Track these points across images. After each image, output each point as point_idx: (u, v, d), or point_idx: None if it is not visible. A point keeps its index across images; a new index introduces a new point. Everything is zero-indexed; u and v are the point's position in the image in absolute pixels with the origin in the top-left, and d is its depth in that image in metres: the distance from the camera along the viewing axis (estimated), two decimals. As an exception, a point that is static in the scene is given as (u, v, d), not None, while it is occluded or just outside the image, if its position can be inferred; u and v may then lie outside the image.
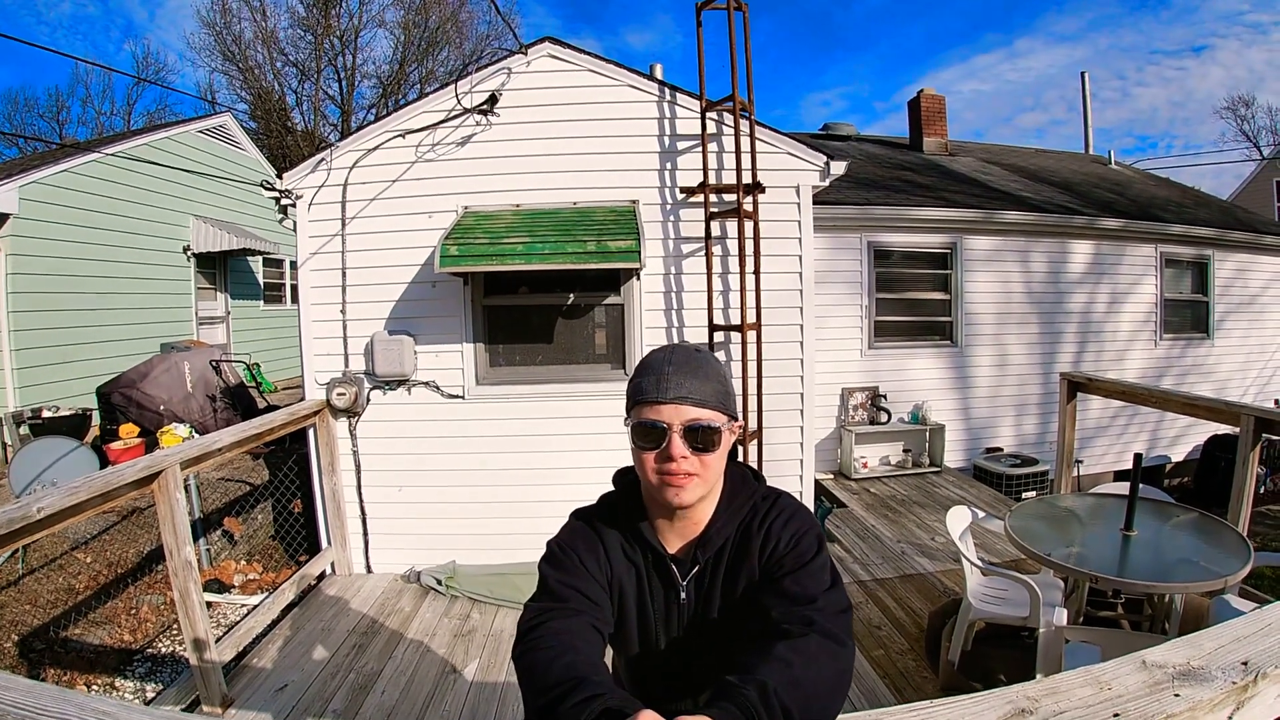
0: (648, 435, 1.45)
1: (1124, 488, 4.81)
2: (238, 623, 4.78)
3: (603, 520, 1.65)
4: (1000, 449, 9.86)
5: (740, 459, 5.55)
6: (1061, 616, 3.64)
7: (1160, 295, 10.81)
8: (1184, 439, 11.22)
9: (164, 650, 5.28)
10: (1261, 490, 10.16)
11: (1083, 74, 18.78)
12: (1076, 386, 6.17)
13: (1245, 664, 1.27)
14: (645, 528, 1.59)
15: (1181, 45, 60.51)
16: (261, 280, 14.25)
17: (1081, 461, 9.76)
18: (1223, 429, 9.87)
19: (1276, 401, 12.20)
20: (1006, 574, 4.00)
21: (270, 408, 9.07)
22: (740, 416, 1.59)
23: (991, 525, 4.61)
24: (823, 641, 1.26)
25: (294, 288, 14.64)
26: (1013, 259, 9.93)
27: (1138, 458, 4.07)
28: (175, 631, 5.34)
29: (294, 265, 14.08)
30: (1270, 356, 12.14)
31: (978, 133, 72.57)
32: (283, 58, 25.98)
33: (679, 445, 1.43)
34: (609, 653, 1.62)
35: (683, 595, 1.59)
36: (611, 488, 1.70)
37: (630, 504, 1.63)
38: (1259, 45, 55.87)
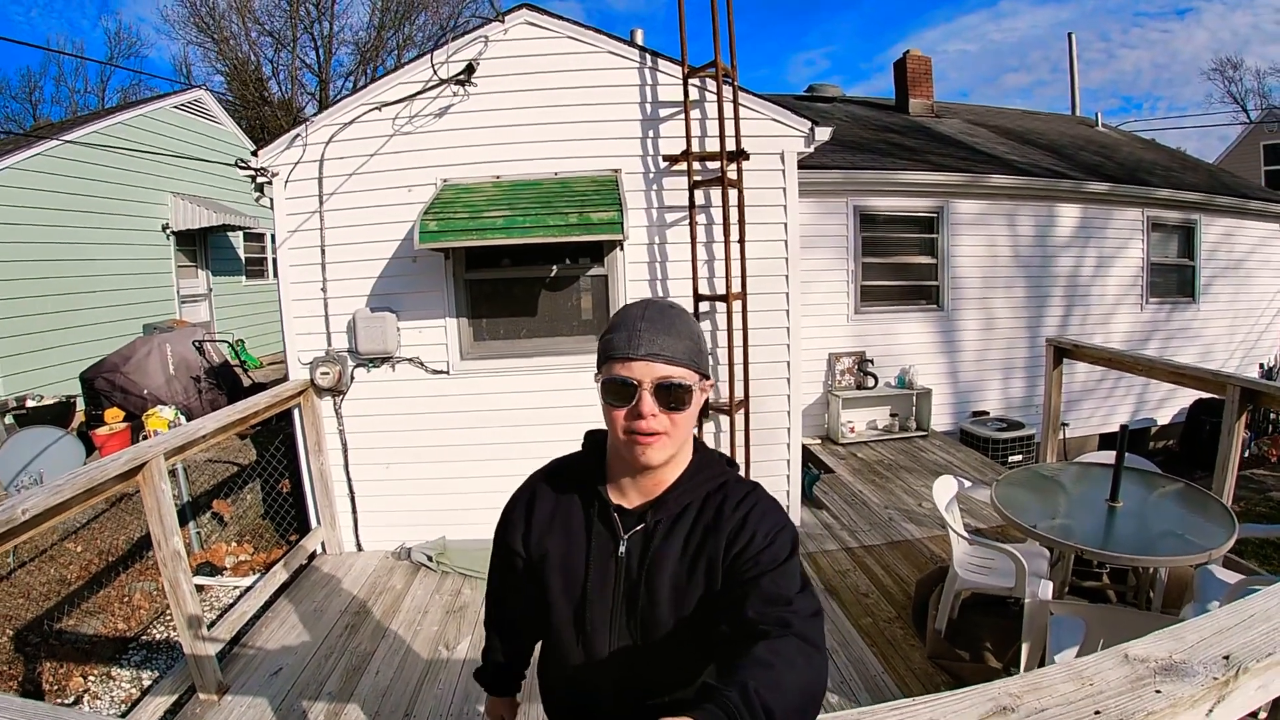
0: (618, 392, 1.42)
1: (1110, 456, 4.82)
2: (230, 606, 4.77)
3: (554, 475, 1.69)
4: (986, 413, 9.90)
5: (728, 427, 5.58)
6: (1047, 589, 3.65)
7: (1146, 259, 10.82)
8: (1169, 402, 11.29)
9: (159, 637, 5.25)
10: (1246, 454, 10.23)
11: (1070, 35, 18.68)
12: (1062, 352, 6.15)
13: (1227, 658, 1.26)
14: (601, 487, 1.57)
15: (1166, 8, 60.39)
16: (243, 255, 14.12)
17: (1068, 425, 9.78)
18: (1210, 393, 9.91)
19: (1261, 365, 12.28)
20: (992, 545, 4.02)
21: (256, 385, 9.04)
22: (711, 375, 1.55)
23: (978, 494, 4.63)
24: (800, 645, 1.22)
25: (275, 262, 14.52)
26: (999, 222, 9.90)
27: (1123, 429, 4.06)
28: (169, 617, 5.32)
29: (275, 239, 14.04)
30: (1256, 320, 12.20)
31: (963, 93, 72.59)
32: (258, 27, 25.54)
33: (649, 403, 1.39)
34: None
35: (621, 549, 1.53)
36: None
37: (590, 461, 1.62)
38: (1243, 9, 55.83)
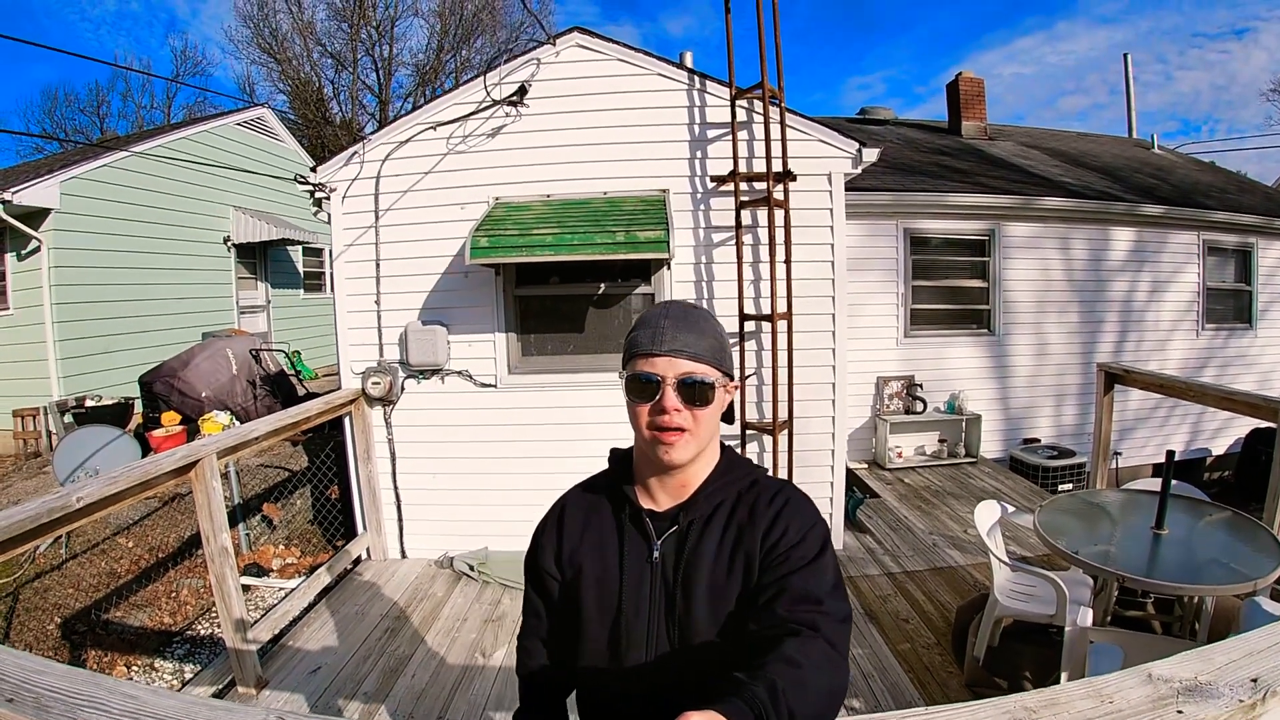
0: (641, 388, 1.44)
1: (1153, 483, 4.73)
2: (274, 605, 4.88)
3: (584, 490, 1.69)
4: (1037, 440, 9.72)
5: (770, 448, 5.59)
6: (1087, 617, 3.59)
7: (1202, 284, 10.56)
8: (1225, 431, 10.98)
9: (203, 632, 5.42)
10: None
11: (1125, 56, 18.48)
12: (1114, 378, 6.06)
13: (1255, 681, 1.21)
14: (629, 488, 1.57)
15: (1224, 28, 59.06)
16: (301, 269, 14.47)
17: (1120, 454, 9.60)
18: (1265, 422, 9.66)
19: (1322, 393, 11.90)
20: (1033, 571, 3.96)
21: (310, 395, 9.24)
22: (736, 376, 1.56)
23: (1021, 520, 4.56)
24: (827, 649, 1.23)
25: (333, 276, 14.82)
26: (1052, 245, 9.76)
27: (1170, 455, 3.99)
28: (214, 614, 5.48)
29: (332, 254, 14.31)
30: (1316, 348, 11.83)
31: (1019, 115, 71.33)
32: (319, 49, 26.29)
33: (672, 398, 1.42)
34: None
35: (655, 553, 1.52)
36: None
37: (617, 471, 1.63)
38: (1302, 28, 54.44)
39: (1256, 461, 10.28)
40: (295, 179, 5.91)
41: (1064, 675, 3.54)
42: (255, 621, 4.38)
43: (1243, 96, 57.53)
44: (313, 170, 5.84)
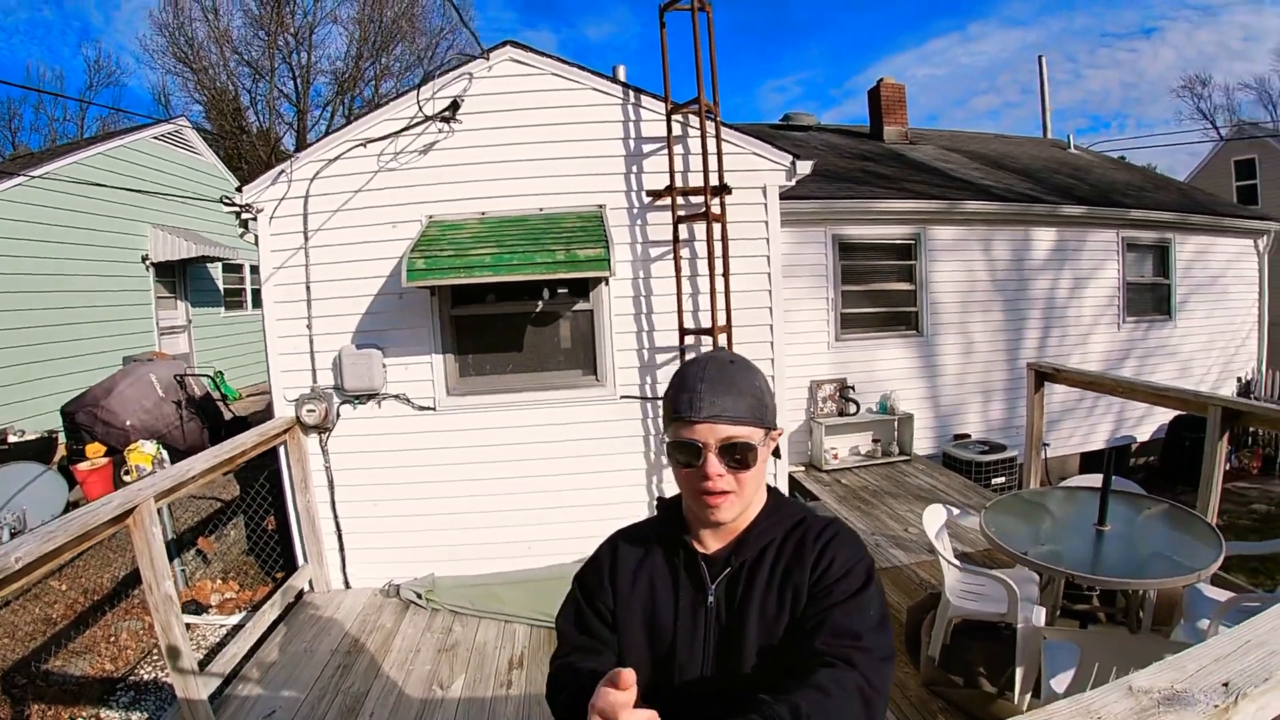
0: (684, 453, 1.44)
1: (1094, 479, 4.89)
2: (220, 646, 4.74)
3: (631, 536, 1.66)
4: (968, 435, 9.97)
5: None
6: (1040, 615, 3.70)
7: (1122, 279, 10.97)
8: (1149, 419, 11.41)
9: (146, 677, 5.19)
10: (1227, 467, 10.38)
11: (1040, 58, 19.18)
12: (1044, 376, 6.22)
13: (1226, 685, 1.29)
14: (687, 537, 1.57)
15: (1132, 28, 61.55)
16: (222, 287, 14.02)
17: (1049, 445, 9.88)
18: (1173, 409, 10.05)
19: (1239, 379, 12.45)
20: (985, 573, 4.06)
21: (237, 418, 8.99)
22: (778, 424, 1.56)
23: (967, 522, 4.67)
24: (860, 683, 1.25)
25: (255, 292, 14.43)
26: (976, 247, 10.03)
27: (1109, 454, 4.14)
28: (156, 657, 5.26)
29: (254, 270, 13.88)
30: (1232, 335, 12.38)
31: (932, 116, 73.43)
32: (236, 57, 25.49)
33: (714, 464, 1.41)
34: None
35: (710, 598, 1.52)
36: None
37: (671, 517, 1.62)
38: (1207, 27, 57.09)
39: (1181, 447, 10.72)
40: (221, 200, 5.72)
41: (1019, 671, 3.64)
42: (204, 663, 4.23)
43: (1151, 93, 60.15)
44: (238, 190, 5.63)
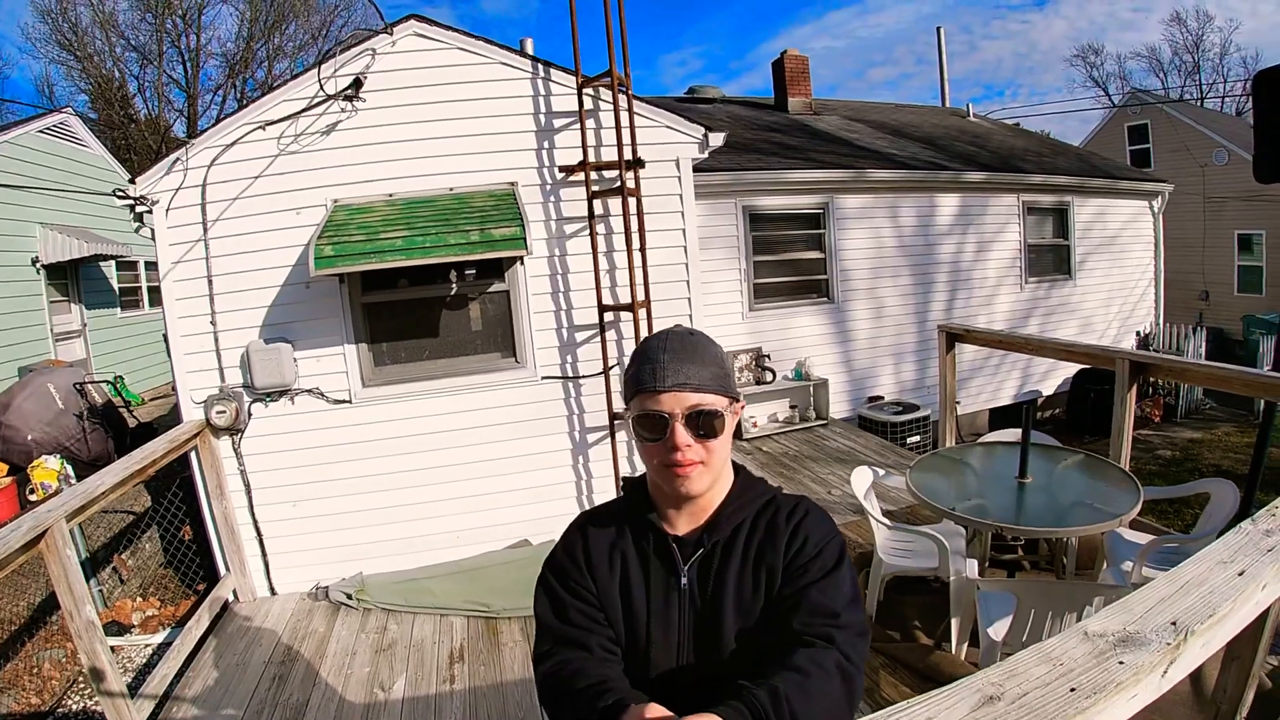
0: (650, 426, 1.42)
1: (1009, 434, 5.07)
2: (148, 666, 4.52)
3: (600, 519, 1.61)
4: (881, 397, 10.25)
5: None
6: (972, 567, 3.82)
7: (1024, 241, 11.39)
8: (1054, 374, 11.90)
9: (75, 707, 4.88)
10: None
11: (939, 29, 19.72)
12: (955, 337, 6.38)
13: (1174, 624, 1.38)
14: (652, 516, 1.54)
15: (1027, 1, 63.50)
16: (117, 286, 13.32)
17: (959, 403, 10.19)
18: (1082, 364, 10.49)
19: (1138, 333, 13.04)
20: (914, 530, 4.16)
21: (142, 424, 8.60)
22: (741, 397, 1.53)
23: (892, 482, 4.77)
24: (840, 661, 1.25)
25: (151, 290, 13.81)
26: (883, 215, 10.28)
27: (1028, 409, 4.27)
28: (83, 685, 4.94)
29: (149, 266, 13.25)
30: (1130, 292, 12.98)
31: (831, 88, 74.78)
32: (123, 43, 24.29)
33: (682, 434, 1.39)
34: None
35: (683, 580, 1.50)
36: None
37: (637, 496, 1.58)
38: (1099, -1, 59.30)
39: (1085, 399, 11.21)
40: (114, 193, 5.37)
41: (954, 621, 3.75)
42: (133, 688, 3.99)
43: (1043, 62, 62.18)
44: (131, 182, 5.29)
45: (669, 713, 1.11)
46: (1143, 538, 4.07)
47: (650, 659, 1.50)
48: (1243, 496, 3.91)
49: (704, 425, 1.41)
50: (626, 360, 5.73)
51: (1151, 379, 11.37)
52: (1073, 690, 1.22)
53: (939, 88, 19.56)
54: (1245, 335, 15.45)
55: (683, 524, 1.53)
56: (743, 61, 70.94)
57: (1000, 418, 10.98)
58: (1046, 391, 11.94)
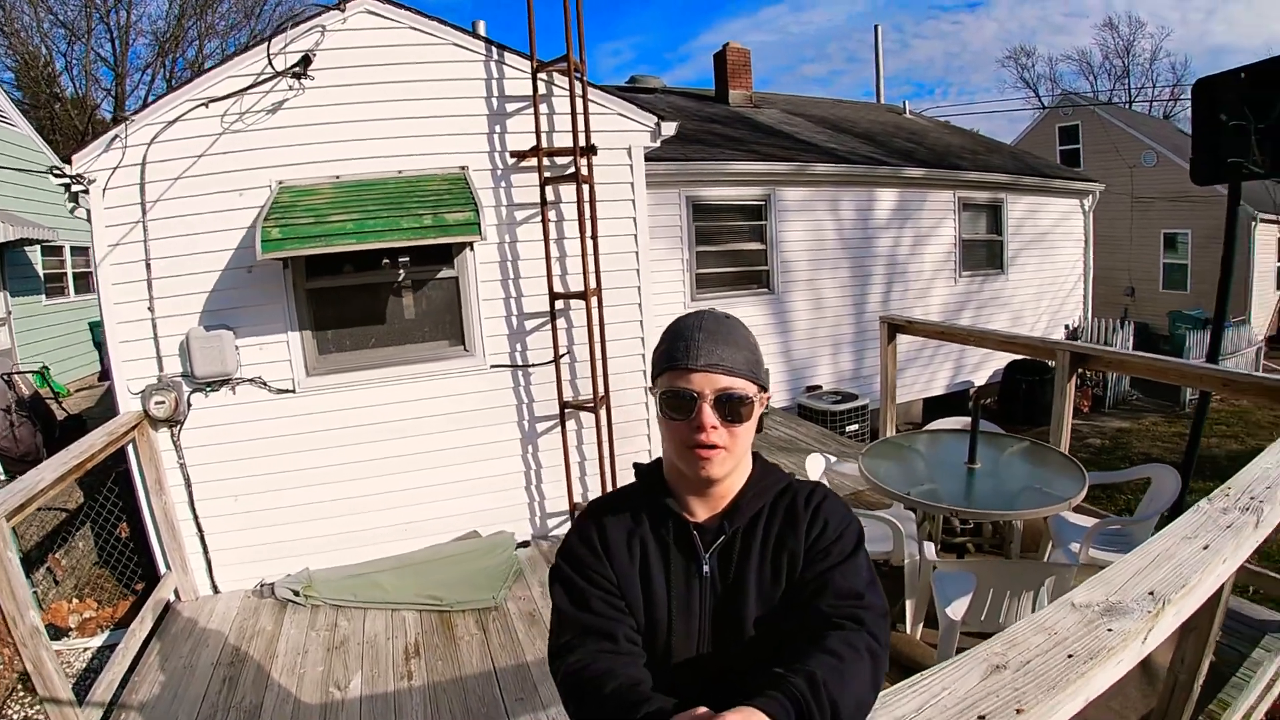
0: (677, 405, 1.39)
1: (955, 422, 5.20)
2: (89, 671, 4.32)
3: (615, 506, 1.57)
4: (820, 386, 10.45)
5: (593, 424, 5.56)
6: (930, 550, 3.91)
7: (958, 236, 11.71)
8: (985, 365, 12.24)
9: (16, 717, 4.65)
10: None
11: (876, 26, 20.36)
12: (897, 328, 6.51)
13: (1152, 594, 1.52)
14: (670, 502, 1.51)
15: (959, 2, 65.00)
16: (42, 272, 12.72)
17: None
18: (1023, 356, 10.81)
19: (1066, 327, 13.49)
20: (868, 514, 4.22)
21: (71, 416, 8.29)
22: (769, 387, 1.51)
23: (844, 469, 4.84)
24: (870, 641, 1.24)
25: (77, 276, 13.26)
26: (823, 208, 10.46)
27: (976, 397, 4.38)
28: (21, 693, 4.71)
29: (75, 251, 12.67)
30: (1060, 286, 13.43)
31: (764, 81, 75.42)
32: (51, 18, 23.22)
33: (709, 415, 1.37)
34: None
35: (705, 568, 1.48)
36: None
37: (653, 481, 1.56)
38: (1031, 2, 61.00)
39: (1016, 390, 11.60)
40: (50, 171, 5.10)
41: (909, 603, 3.84)
42: (79, 698, 3.78)
43: (974, 62, 63.78)
44: (67, 161, 5.04)
45: (711, 711, 1.07)
46: (1085, 520, 4.22)
47: (671, 648, 1.48)
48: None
49: (731, 410, 1.39)
50: (576, 349, 5.73)
51: (1081, 370, 11.79)
52: (1070, 656, 1.32)
53: (874, 85, 20.12)
54: (1171, 330, 16.16)
55: (701, 510, 1.51)
56: (676, 53, 71.45)
57: (934, 407, 11.25)
58: (978, 382, 12.28)
